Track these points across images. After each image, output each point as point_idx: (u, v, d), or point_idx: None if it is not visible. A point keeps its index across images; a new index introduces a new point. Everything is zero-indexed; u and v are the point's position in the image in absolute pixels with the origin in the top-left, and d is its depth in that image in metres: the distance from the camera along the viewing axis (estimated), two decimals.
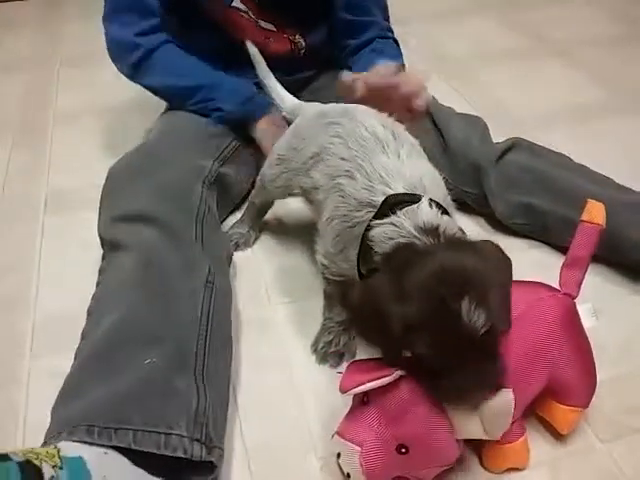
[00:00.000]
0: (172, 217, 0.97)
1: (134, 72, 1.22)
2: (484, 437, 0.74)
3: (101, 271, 0.95)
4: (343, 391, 0.73)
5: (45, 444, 0.71)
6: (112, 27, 1.20)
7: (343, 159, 0.85)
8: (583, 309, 0.82)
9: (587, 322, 0.82)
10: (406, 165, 0.81)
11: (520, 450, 0.80)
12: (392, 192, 0.77)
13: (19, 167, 1.42)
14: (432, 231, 0.72)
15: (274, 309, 1.06)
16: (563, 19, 2.13)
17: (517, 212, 1.15)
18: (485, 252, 0.72)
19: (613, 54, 1.89)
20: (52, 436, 0.71)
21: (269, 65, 1.17)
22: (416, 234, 0.72)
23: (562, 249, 1.10)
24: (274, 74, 1.17)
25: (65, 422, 0.72)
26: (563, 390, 0.80)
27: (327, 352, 0.96)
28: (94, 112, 1.63)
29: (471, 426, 0.72)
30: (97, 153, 1.47)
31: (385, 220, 0.75)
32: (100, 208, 1.03)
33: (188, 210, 1.01)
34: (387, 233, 0.75)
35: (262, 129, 1.19)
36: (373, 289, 0.72)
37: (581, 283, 0.82)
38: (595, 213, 0.80)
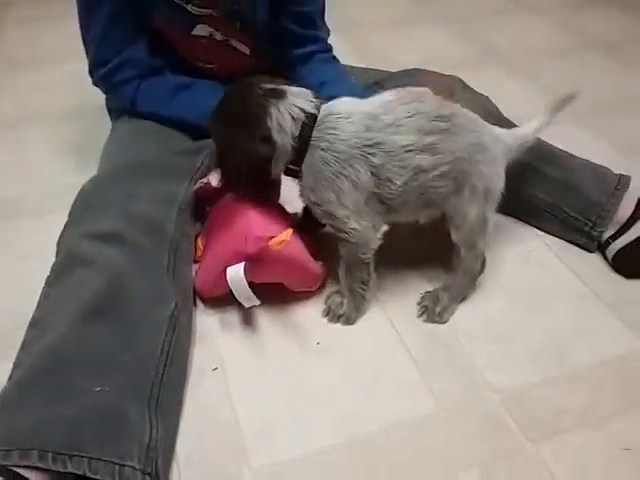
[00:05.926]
0: (145, 243, 0.94)
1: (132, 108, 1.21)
2: None
3: (52, 283, 0.91)
4: None
5: None
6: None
7: None
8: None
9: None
10: None
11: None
12: None
13: None
14: None
15: (209, 318, 1.06)
16: (508, 29, 2.20)
17: None
18: None
19: (556, 64, 1.95)
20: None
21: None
22: None
23: None
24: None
25: (15, 439, 0.71)
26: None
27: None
28: (36, 118, 1.61)
29: None
30: (40, 160, 1.45)
31: None
32: (69, 221, 0.99)
33: (162, 238, 0.98)
34: None
35: None
36: None
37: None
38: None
